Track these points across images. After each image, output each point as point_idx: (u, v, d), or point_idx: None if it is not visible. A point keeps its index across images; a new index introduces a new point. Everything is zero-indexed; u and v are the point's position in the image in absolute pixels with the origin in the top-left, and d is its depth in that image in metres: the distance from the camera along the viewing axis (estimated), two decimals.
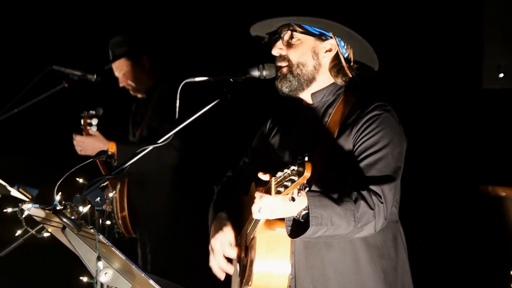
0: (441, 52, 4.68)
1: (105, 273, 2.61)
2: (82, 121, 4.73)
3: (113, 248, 2.50)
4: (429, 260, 4.54)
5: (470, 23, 4.58)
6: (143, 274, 2.52)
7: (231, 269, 3.06)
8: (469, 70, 4.64)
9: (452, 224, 4.58)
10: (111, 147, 4.63)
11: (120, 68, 4.89)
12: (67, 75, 4.50)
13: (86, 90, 4.69)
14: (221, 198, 3.29)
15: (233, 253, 3.03)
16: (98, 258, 2.48)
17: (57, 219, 2.58)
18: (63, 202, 2.56)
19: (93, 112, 4.71)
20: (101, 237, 2.49)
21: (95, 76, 4.57)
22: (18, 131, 5.16)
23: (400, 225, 3.06)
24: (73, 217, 2.54)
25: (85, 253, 2.63)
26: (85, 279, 2.61)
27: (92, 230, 2.50)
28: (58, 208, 2.54)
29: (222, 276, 3.08)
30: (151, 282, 2.50)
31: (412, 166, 3.24)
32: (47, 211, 2.61)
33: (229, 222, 3.10)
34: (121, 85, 4.92)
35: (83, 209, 2.56)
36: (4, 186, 4.01)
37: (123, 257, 2.52)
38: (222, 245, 3.04)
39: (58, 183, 2.56)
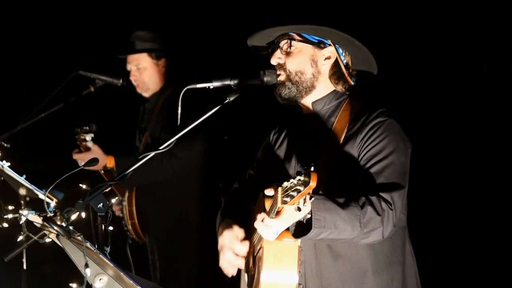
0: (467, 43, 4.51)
1: (100, 279, 2.63)
2: (77, 138, 4.77)
3: (101, 255, 2.52)
4: (437, 264, 4.43)
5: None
6: (131, 281, 2.52)
7: (241, 262, 3.03)
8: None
9: (465, 226, 4.45)
10: (110, 162, 4.68)
11: (137, 62, 4.88)
12: (93, 79, 4.57)
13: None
14: (229, 206, 3.29)
15: (242, 248, 2.99)
16: (86, 265, 2.49)
17: None
18: (54, 209, 2.59)
19: (87, 128, 4.75)
20: (88, 244, 2.50)
21: (121, 81, 4.63)
22: (44, 135, 5.25)
23: (407, 230, 3.03)
24: (63, 224, 2.56)
25: (80, 259, 2.65)
26: (74, 285, 2.63)
27: (79, 238, 2.51)
28: (48, 215, 2.57)
29: (233, 272, 3.05)
30: None
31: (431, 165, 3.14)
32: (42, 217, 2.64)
33: (236, 223, 3.08)
34: (131, 78, 4.91)
35: (72, 216, 2.58)
36: (32, 190, 4.12)
37: (112, 264, 2.53)
38: (230, 240, 3.01)
39: (48, 190, 2.60)
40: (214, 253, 3.21)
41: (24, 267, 4.28)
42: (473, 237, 4.37)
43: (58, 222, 2.55)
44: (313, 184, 2.40)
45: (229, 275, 3.08)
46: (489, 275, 4.33)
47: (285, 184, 2.51)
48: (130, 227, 4.85)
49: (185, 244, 4.85)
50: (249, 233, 3.11)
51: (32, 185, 4.08)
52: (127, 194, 4.85)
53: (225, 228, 3.07)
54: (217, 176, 4.82)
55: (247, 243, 3.02)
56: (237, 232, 3.03)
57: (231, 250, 3.00)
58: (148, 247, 4.98)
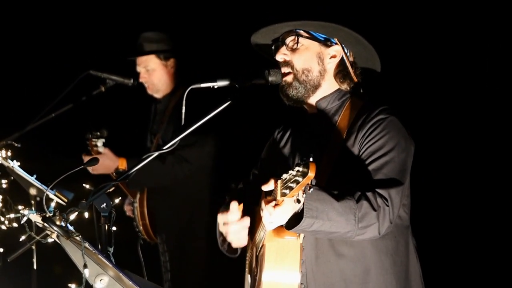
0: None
1: (100, 280, 2.61)
2: (88, 143, 4.76)
3: (100, 256, 2.50)
4: (441, 264, 4.39)
5: None
6: (130, 282, 2.51)
7: (246, 220, 2.98)
8: None
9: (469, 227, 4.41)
10: (122, 164, 4.68)
11: (146, 64, 4.89)
12: (103, 79, 4.57)
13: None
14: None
15: (236, 213, 2.96)
16: (85, 266, 2.48)
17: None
18: (54, 209, 2.58)
19: (98, 133, 4.74)
20: (87, 244, 2.49)
21: (132, 81, 4.62)
22: (54, 134, 5.26)
23: (410, 230, 3.01)
24: (63, 224, 2.55)
25: (80, 259, 2.63)
26: (73, 286, 2.62)
27: (78, 238, 2.50)
28: (47, 215, 2.56)
29: (244, 242, 3.01)
30: None
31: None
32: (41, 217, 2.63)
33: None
34: (141, 80, 4.91)
35: (72, 216, 2.57)
36: (42, 190, 4.12)
37: (110, 265, 2.52)
38: (224, 217, 2.98)
39: (48, 188, 2.59)
40: (224, 255, 3.20)
41: (35, 267, 4.30)
42: (476, 237, 4.35)
43: (58, 222, 2.54)
44: (311, 174, 2.38)
45: (242, 246, 3.05)
46: (492, 275, 4.31)
47: (284, 176, 2.50)
48: (141, 228, 4.86)
49: (196, 246, 4.84)
50: (252, 234, 3.09)
51: (42, 185, 4.09)
52: (138, 196, 4.87)
53: (218, 218, 3.04)
54: (228, 177, 4.80)
55: (241, 206, 2.98)
56: (229, 207, 2.97)
57: (231, 223, 2.96)
58: (159, 248, 4.98)
